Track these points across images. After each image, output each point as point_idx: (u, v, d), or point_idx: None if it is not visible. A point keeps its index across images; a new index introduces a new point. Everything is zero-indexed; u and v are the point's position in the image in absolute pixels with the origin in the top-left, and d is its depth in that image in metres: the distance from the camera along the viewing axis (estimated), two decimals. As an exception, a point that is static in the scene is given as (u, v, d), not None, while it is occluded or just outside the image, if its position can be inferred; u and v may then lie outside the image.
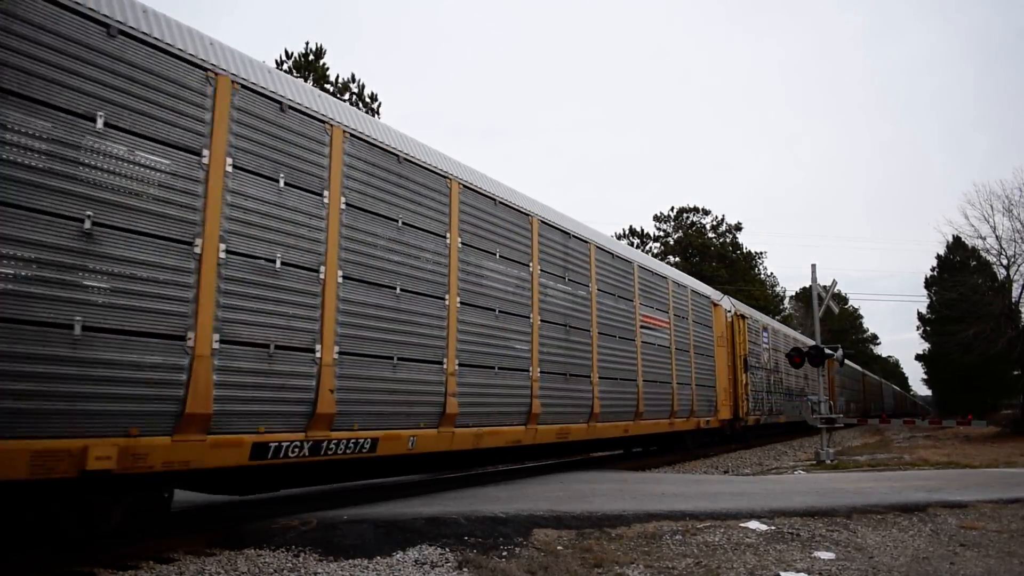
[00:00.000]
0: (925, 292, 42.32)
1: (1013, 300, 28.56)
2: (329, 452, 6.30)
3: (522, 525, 6.02)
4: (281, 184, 6.08)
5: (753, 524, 6.43)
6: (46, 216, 4.48)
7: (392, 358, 6.95)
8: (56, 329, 4.45)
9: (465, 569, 5.01)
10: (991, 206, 31.40)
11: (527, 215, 9.47)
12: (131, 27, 5.09)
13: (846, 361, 22.29)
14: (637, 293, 12.59)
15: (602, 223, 75.59)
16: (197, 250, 5.33)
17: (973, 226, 32.37)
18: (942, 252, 40.03)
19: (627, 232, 52.99)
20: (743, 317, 19.76)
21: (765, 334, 22.27)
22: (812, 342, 24.95)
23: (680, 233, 54.07)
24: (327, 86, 28.65)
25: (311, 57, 28.95)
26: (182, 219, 5.26)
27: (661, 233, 54.67)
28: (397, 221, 7.24)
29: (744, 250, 55.03)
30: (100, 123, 4.83)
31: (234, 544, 5.45)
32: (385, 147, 7.20)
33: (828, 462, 15.04)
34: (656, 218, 55.70)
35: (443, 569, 5.01)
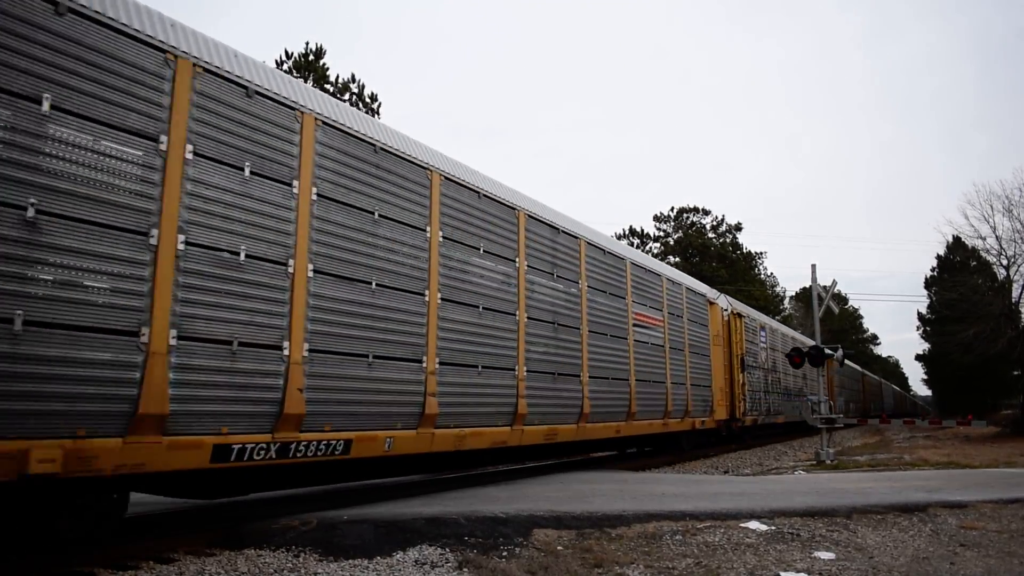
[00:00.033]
0: (925, 292, 42.57)
1: (1013, 300, 28.58)
2: (298, 454, 6.00)
3: (522, 525, 6.00)
4: (247, 173, 5.79)
5: (753, 524, 6.39)
6: (-18, 203, 4.19)
7: (367, 356, 6.66)
8: (-8, 323, 4.16)
9: (465, 569, 4.99)
10: (991, 206, 31.63)
11: (513, 209, 9.17)
12: (82, 5, 4.80)
13: (846, 361, 22.14)
14: (630, 290, 12.29)
15: (602, 223, 75.44)
16: (153, 241, 5.04)
17: (973, 226, 32.58)
18: (942, 252, 40.25)
19: (627, 232, 53.02)
20: (740, 316, 19.47)
21: (763, 333, 21.97)
22: (811, 342, 24.70)
23: (680, 233, 54.07)
24: (327, 86, 28.55)
25: (311, 57, 28.81)
26: (136, 208, 4.97)
27: (661, 233, 54.75)
28: (373, 213, 6.94)
29: (744, 250, 55.00)
30: (46, 105, 4.54)
31: (234, 544, 5.42)
32: (360, 136, 6.91)
33: (828, 462, 14.98)
34: (656, 218, 55.76)
35: (443, 569, 4.98)
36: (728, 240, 54.41)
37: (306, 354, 6.06)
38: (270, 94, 6.08)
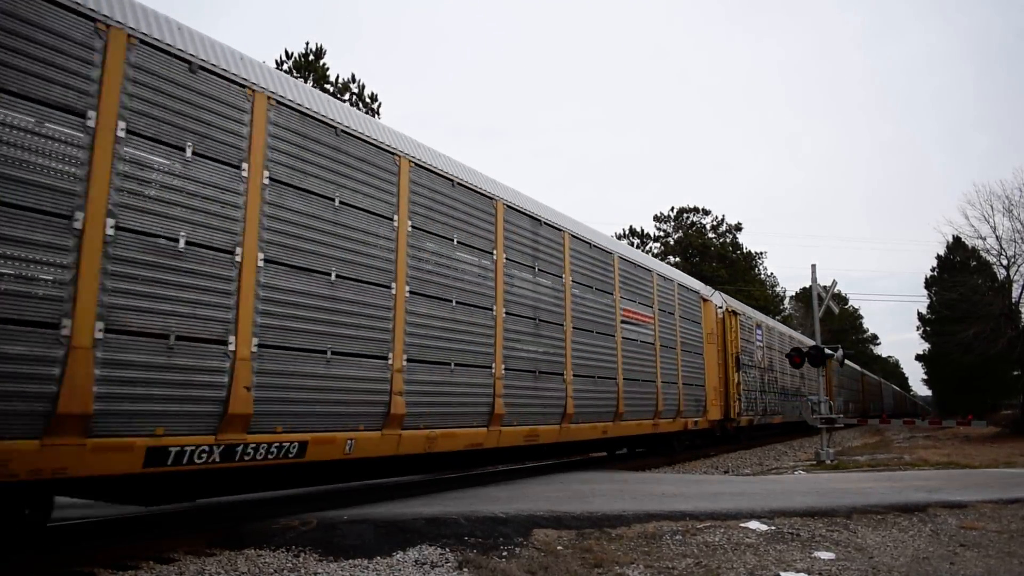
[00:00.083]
0: (925, 292, 42.75)
1: (1013, 300, 28.64)
2: (246, 458, 5.56)
3: (522, 525, 5.98)
4: (188, 154, 5.35)
5: (753, 524, 6.37)
6: None
7: (325, 352, 6.22)
8: None
9: (465, 569, 4.96)
10: (991, 206, 31.84)
11: (491, 199, 8.73)
12: (-4, -34, 4.36)
13: (845, 361, 21.83)
14: (618, 286, 11.85)
15: (602, 223, 75.16)
16: (77, 225, 4.60)
17: (973, 226, 32.75)
18: (942, 252, 40.55)
19: (627, 232, 53.11)
20: (735, 313, 19.02)
21: (759, 331, 21.53)
22: (811, 341, 24.29)
23: (680, 233, 54.15)
24: (327, 86, 28.39)
25: (311, 57, 28.63)
26: (58, 189, 4.53)
27: (661, 233, 54.84)
28: (334, 200, 6.51)
29: (744, 250, 54.92)
30: (-49, 74, 4.11)
31: (234, 544, 5.39)
32: (319, 118, 6.47)
33: (828, 462, 14.83)
34: (656, 218, 55.78)
35: (443, 569, 4.95)
36: (728, 240, 54.40)
37: (255, 349, 5.62)
38: (217, 70, 5.64)
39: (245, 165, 5.74)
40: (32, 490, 4.83)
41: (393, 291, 7.01)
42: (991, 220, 30.64)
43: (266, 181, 5.90)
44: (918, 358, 51.98)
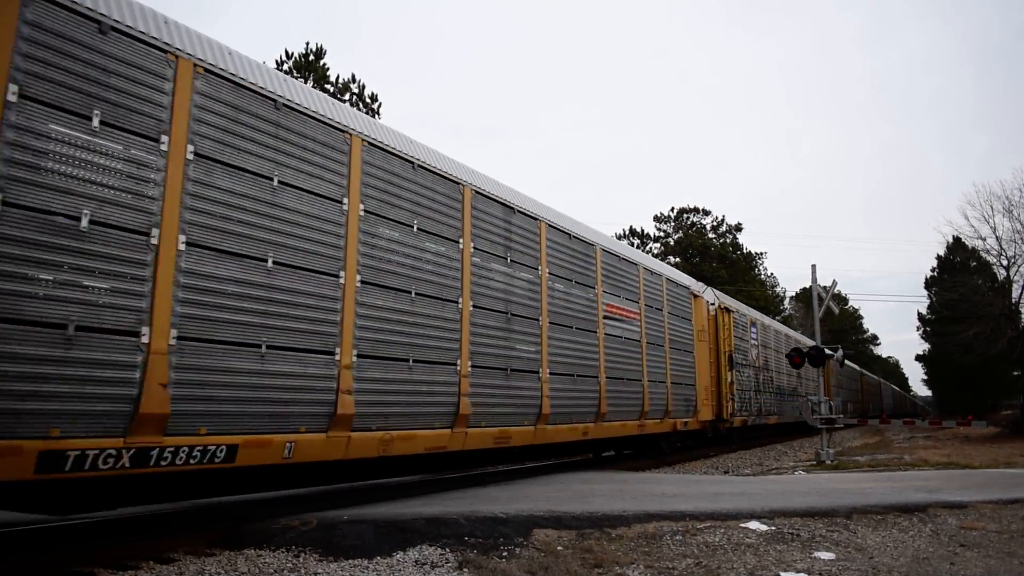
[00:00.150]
0: (925, 293, 42.89)
1: (1013, 301, 28.66)
2: (163, 462, 4.98)
3: (522, 525, 5.97)
4: (95, 123, 4.78)
5: (753, 524, 6.35)
6: None
7: (260, 346, 5.64)
8: None
9: (465, 569, 4.94)
10: (991, 207, 32.06)
11: (457, 183, 8.15)
12: None
13: (845, 361, 21.48)
14: (600, 279, 11.27)
15: (602, 223, 74.88)
16: (-48, 199, 4.03)
17: (973, 227, 32.91)
18: (942, 253, 40.88)
19: (627, 232, 53.36)
20: (728, 310, 18.42)
21: (753, 329, 20.93)
22: (808, 339, 23.67)
23: (680, 233, 54.36)
24: (327, 86, 28.26)
25: (311, 57, 28.48)
26: (-75, 156, 3.96)
27: (661, 234, 55.06)
28: (272, 179, 5.93)
29: (744, 250, 54.82)
30: None
31: (234, 544, 5.36)
32: (256, 89, 5.90)
33: (828, 462, 14.67)
34: (656, 219, 55.92)
35: (443, 569, 4.94)
36: (728, 240, 54.47)
37: (174, 342, 5.04)
38: (133, 32, 5.07)
39: (165, 138, 5.17)
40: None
41: (342, 280, 6.43)
42: (991, 220, 30.92)
43: (190, 156, 5.32)
44: (918, 358, 51.89)
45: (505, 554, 5.37)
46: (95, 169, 4.74)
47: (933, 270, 41.81)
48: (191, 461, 5.16)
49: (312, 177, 6.29)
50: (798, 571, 5.06)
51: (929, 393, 71.02)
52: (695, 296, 15.89)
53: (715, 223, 54.75)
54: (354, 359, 6.44)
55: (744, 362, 19.39)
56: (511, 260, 8.99)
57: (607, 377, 11.05)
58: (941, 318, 35.75)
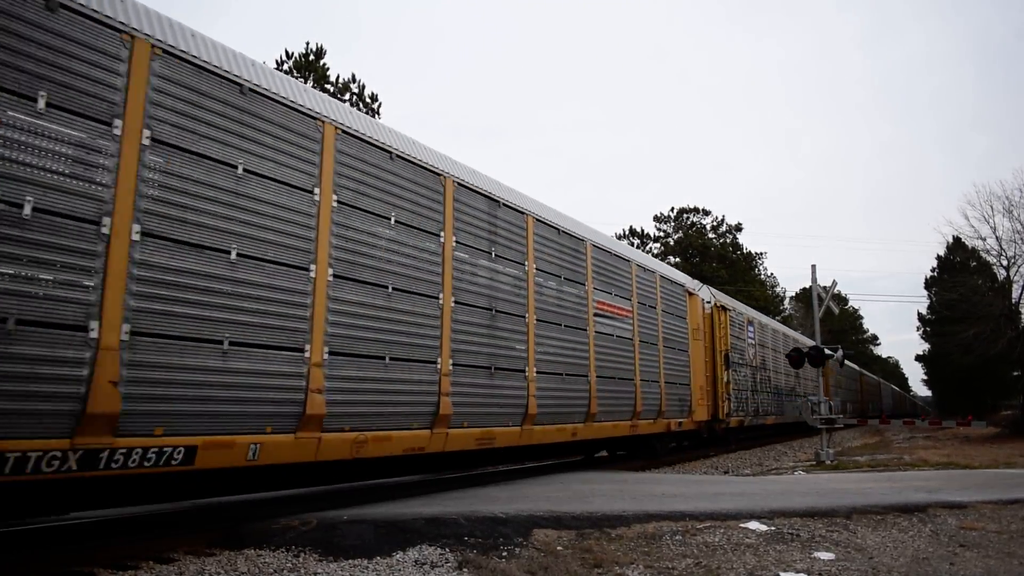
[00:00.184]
0: (925, 293, 42.88)
1: (1013, 301, 28.64)
2: (114, 465, 4.70)
3: (522, 525, 5.97)
4: (40, 105, 4.49)
5: (753, 524, 6.35)
6: None
7: (222, 342, 5.36)
8: None
9: (465, 569, 4.94)
10: (991, 207, 32.19)
11: (438, 175, 7.87)
12: None
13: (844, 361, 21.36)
14: (591, 276, 10.98)
15: (602, 223, 74.77)
16: None
17: (973, 227, 32.93)
18: (942, 253, 40.94)
19: (627, 232, 53.45)
20: (724, 309, 18.14)
21: (751, 328, 20.65)
22: (806, 338, 23.39)
23: (680, 234, 54.51)
24: (328, 86, 28.29)
25: (311, 57, 28.50)
26: None
27: (661, 234, 55.19)
28: (236, 167, 5.65)
29: (744, 251, 54.72)
30: None
31: (234, 544, 5.35)
32: (219, 72, 5.61)
33: (828, 462, 14.62)
34: (656, 219, 55.97)
35: (443, 569, 4.94)
36: (728, 240, 54.42)
37: (125, 337, 4.76)
38: (84, 10, 4.78)
39: (118, 122, 4.88)
40: None
41: (312, 274, 6.15)
42: (991, 221, 30.96)
43: (146, 141, 5.04)
44: (918, 358, 51.75)
45: (505, 554, 5.36)
46: (39, 153, 4.46)
47: (933, 270, 42.05)
48: (145, 464, 4.87)
49: (280, 166, 6.00)
50: (798, 571, 5.04)
51: (929, 393, 70.84)
52: (690, 294, 15.60)
53: (715, 223, 54.88)
54: (325, 356, 6.16)
55: (741, 361, 19.12)
56: (496, 255, 8.70)
57: (598, 376, 10.76)
58: (941, 318, 35.80)
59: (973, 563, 5.39)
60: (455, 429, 7.66)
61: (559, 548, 5.56)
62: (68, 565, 4.68)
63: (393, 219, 7.12)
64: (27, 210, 4.35)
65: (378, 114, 29.48)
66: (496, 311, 8.57)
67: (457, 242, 8.00)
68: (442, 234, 7.79)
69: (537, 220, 9.67)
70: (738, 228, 55.03)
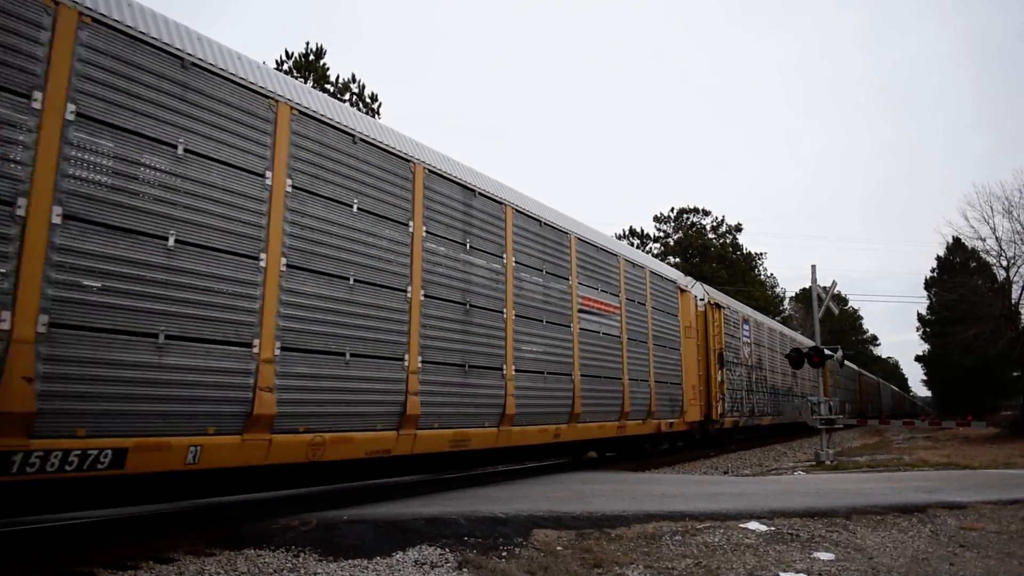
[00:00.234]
0: (925, 293, 42.94)
1: (1013, 301, 28.70)
2: (29, 469, 4.28)
3: (522, 525, 5.97)
4: (-56, 73, 4.08)
5: (753, 525, 6.35)
6: None
7: (156, 336, 4.93)
8: None
9: (465, 569, 4.94)
10: (991, 207, 32.84)
11: (407, 161, 7.44)
12: None
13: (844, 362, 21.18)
14: (575, 270, 10.56)
15: (602, 223, 74.59)
16: None
17: (973, 227, 33.46)
18: (942, 253, 41.01)
19: (627, 232, 53.45)
20: (719, 306, 17.70)
21: (746, 326, 20.21)
22: (803, 336, 23.03)
23: (680, 234, 54.52)
24: (327, 86, 28.22)
25: (311, 57, 28.46)
26: None
27: (661, 234, 55.22)
28: (176, 147, 5.23)
29: (744, 251, 54.58)
30: None
31: (234, 544, 5.33)
32: (157, 44, 5.18)
33: (828, 463, 14.53)
34: (656, 219, 55.93)
35: (443, 569, 4.93)
36: (728, 241, 54.35)
37: (43, 330, 4.34)
38: (-1, -29, 4.37)
39: (38, 95, 4.46)
40: None
41: (262, 263, 5.73)
42: (991, 221, 31.23)
43: (71, 116, 4.62)
44: (918, 359, 51.50)
45: (505, 554, 5.35)
46: (-59, 126, 4.04)
47: (933, 271, 42.17)
48: (67, 468, 4.45)
49: (227, 147, 5.58)
50: (797, 571, 5.03)
51: (929, 394, 70.51)
52: (682, 290, 15.18)
53: (715, 223, 54.88)
54: (277, 352, 5.74)
55: (736, 360, 18.69)
56: (471, 246, 8.28)
57: (582, 375, 10.34)
58: (941, 319, 35.85)
59: (973, 563, 5.38)
60: (425, 430, 7.23)
61: (559, 548, 5.56)
62: (68, 565, 4.66)
63: (356, 206, 6.70)
64: (-75, 188, 3.93)
65: (378, 114, 29.46)
66: (471, 306, 8.14)
67: (428, 232, 7.58)
68: (411, 223, 7.36)
69: (517, 211, 9.25)
70: (738, 228, 55.09)
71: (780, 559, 5.40)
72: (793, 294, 66.99)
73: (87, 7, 4.80)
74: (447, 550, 5.31)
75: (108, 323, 4.68)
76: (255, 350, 5.57)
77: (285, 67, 27.68)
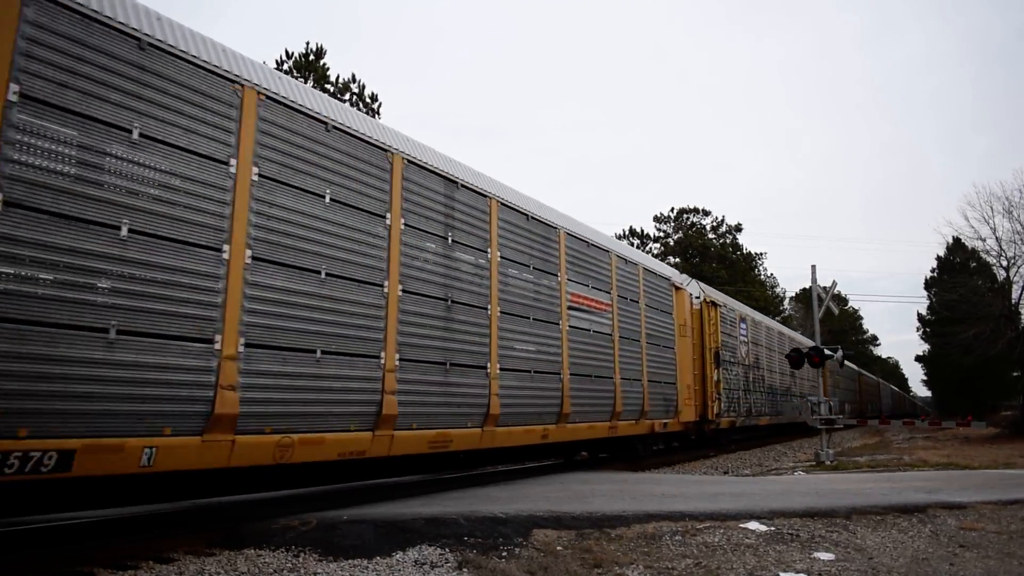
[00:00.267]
0: (925, 293, 42.93)
1: (1013, 301, 28.68)
2: (-37, 474, 4.01)
3: (522, 525, 5.98)
4: None
5: (753, 525, 6.34)
6: None
7: (107, 331, 4.66)
8: None
9: (465, 569, 4.95)
10: (991, 207, 32.75)
11: (384, 150, 7.17)
12: None
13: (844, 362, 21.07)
14: (564, 266, 10.28)
15: (602, 223, 74.43)
16: None
17: (973, 227, 33.49)
18: (942, 253, 41.08)
19: (627, 232, 53.49)
20: (715, 304, 17.44)
21: (743, 325, 19.94)
22: (803, 337, 22.84)
23: (680, 234, 54.54)
24: (328, 86, 28.18)
25: (311, 57, 28.39)
26: None
27: (661, 234, 55.27)
28: (131, 132, 4.95)
29: (744, 251, 54.51)
30: None
31: (234, 544, 5.33)
32: (109, 23, 4.91)
33: (828, 463, 14.51)
34: (656, 219, 55.96)
35: (443, 569, 4.93)
36: (728, 241, 54.32)
37: (-21, 324, 4.06)
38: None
39: (-25, 73, 4.19)
40: None
41: (225, 255, 5.45)
42: (991, 221, 30.96)
43: (13, 97, 4.34)
44: (918, 359, 51.33)
45: (505, 554, 5.35)
46: None
47: (933, 271, 42.21)
48: (7, 471, 4.17)
49: (187, 132, 5.31)
50: (797, 571, 5.03)
51: (929, 394, 70.27)
52: (676, 288, 14.90)
53: (715, 223, 54.93)
54: (240, 349, 5.46)
55: (733, 360, 18.42)
56: (453, 240, 8.00)
57: (571, 374, 10.07)
58: (941, 319, 35.85)
59: (972, 563, 5.38)
60: (402, 431, 6.96)
61: (559, 548, 5.56)
62: (68, 565, 4.65)
63: (328, 197, 6.43)
64: None
65: (378, 114, 29.36)
66: (453, 302, 7.87)
67: (406, 225, 7.30)
68: (389, 215, 7.09)
69: (502, 204, 8.97)
70: (738, 228, 55.09)
71: (780, 559, 5.41)
72: (793, 294, 66.88)
73: (34, -16, 4.52)
74: (447, 550, 5.31)
75: (52, 316, 4.40)
76: (217, 346, 5.29)
77: (285, 67, 27.59)
